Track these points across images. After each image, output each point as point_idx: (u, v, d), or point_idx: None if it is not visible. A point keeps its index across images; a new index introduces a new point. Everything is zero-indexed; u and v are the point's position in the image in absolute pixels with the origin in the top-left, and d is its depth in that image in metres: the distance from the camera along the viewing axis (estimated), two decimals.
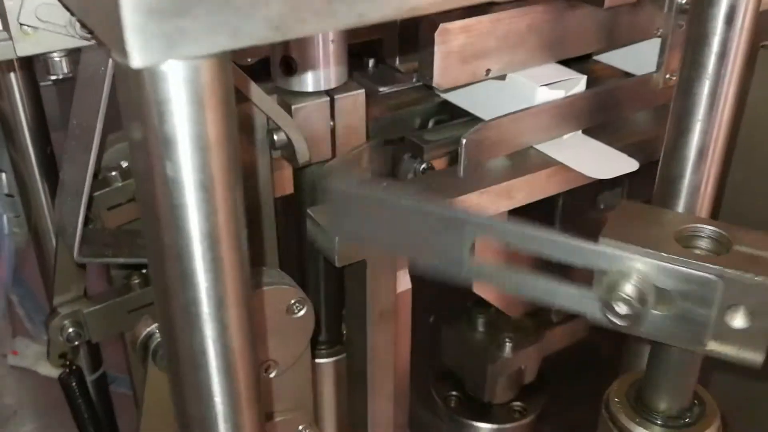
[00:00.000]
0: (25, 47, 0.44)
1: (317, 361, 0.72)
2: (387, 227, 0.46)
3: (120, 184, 0.65)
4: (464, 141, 0.61)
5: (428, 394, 0.91)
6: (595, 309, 0.43)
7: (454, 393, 0.90)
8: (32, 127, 0.69)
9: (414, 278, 0.75)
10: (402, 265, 0.76)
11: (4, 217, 0.72)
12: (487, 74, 0.66)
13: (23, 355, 0.82)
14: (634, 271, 0.43)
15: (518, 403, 0.88)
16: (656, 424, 0.50)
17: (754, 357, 0.43)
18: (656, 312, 0.44)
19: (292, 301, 0.53)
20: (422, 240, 0.44)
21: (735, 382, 0.70)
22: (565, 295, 0.44)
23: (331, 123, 0.62)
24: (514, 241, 0.44)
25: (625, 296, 0.42)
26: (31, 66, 0.68)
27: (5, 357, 0.80)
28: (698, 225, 0.45)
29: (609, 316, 0.43)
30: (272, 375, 0.55)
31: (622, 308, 0.42)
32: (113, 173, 0.65)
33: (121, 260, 0.56)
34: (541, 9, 0.66)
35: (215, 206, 0.30)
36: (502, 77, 0.68)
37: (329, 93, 0.62)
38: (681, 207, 0.52)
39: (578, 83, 0.68)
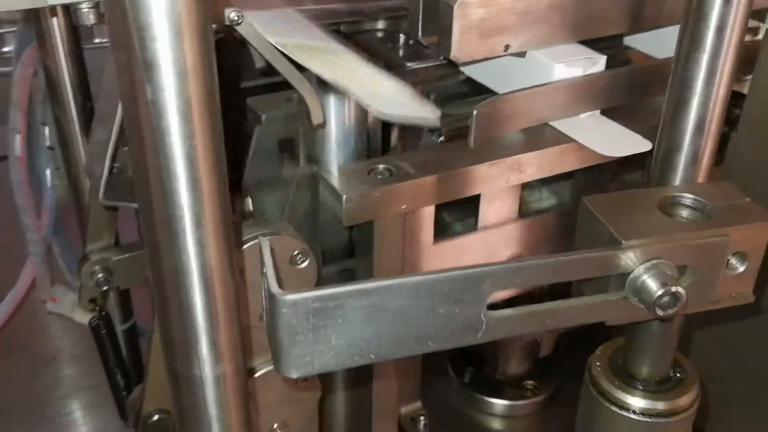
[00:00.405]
0: None
1: None
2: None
3: None
4: (475, 112, 0.63)
5: (445, 369, 0.93)
6: (636, 310, 0.45)
7: (469, 368, 0.91)
8: (74, 84, 0.74)
9: None
10: None
11: (48, 170, 0.76)
12: (505, 50, 0.67)
13: (61, 303, 0.87)
14: (657, 261, 0.44)
15: (531, 382, 0.89)
16: (636, 389, 0.51)
17: (745, 297, 0.44)
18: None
19: (295, 252, 0.56)
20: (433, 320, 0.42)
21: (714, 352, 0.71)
22: (597, 310, 0.45)
23: None
24: (532, 278, 0.44)
25: (666, 288, 0.43)
26: (76, 28, 0.73)
27: (45, 303, 0.86)
28: (673, 194, 0.47)
29: (658, 312, 0.44)
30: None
31: (667, 299, 0.44)
32: None
33: None
34: None
35: (193, 130, 0.33)
36: (522, 54, 0.69)
37: None
38: (678, 179, 0.52)
39: (597, 63, 0.69)
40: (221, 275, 0.36)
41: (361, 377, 0.73)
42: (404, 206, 0.63)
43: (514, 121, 0.67)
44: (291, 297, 0.37)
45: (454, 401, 0.91)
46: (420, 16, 0.71)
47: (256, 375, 0.59)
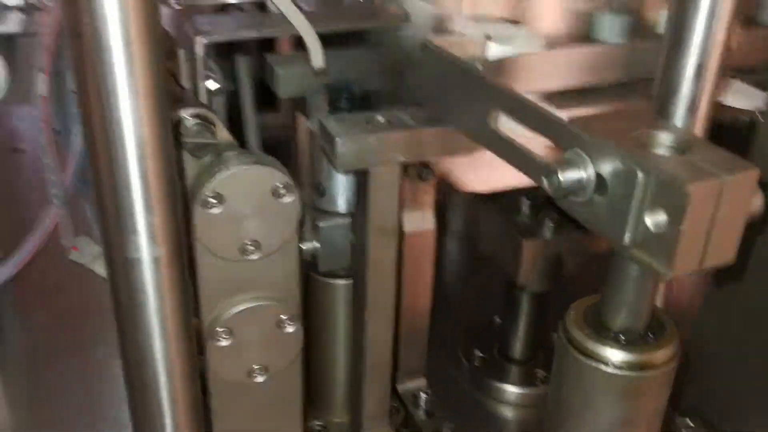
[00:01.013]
0: None
1: (332, 281, 0.74)
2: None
3: None
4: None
5: (454, 351, 0.91)
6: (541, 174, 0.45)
7: (479, 352, 0.89)
8: None
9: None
10: (426, 204, 0.78)
11: (74, 115, 0.79)
12: None
13: (83, 253, 0.89)
14: (584, 153, 0.43)
15: (541, 371, 0.86)
16: (610, 340, 0.49)
17: (660, 266, 0.41)
18: (596, 200, 0.44)
19: (278, 184, 0.56)
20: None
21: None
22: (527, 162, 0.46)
23: None
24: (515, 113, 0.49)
25: (560, 171, 0.43)
26: None
27: (67, 251, 0.88)
28: (660, 131, 0.44)
29: (545, 181, 0.44)
30: (253, 257, 0.57)
31: (564, 176, 0.43)
32: None
33: None
34: None
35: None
36: None
37: None
38: (677, 125, 0.50)
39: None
40: (155, 149, 0.36)
41: (356, 338, 0.72)
42: (400, 156, 0.62)
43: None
44: None
45: (463, 385, 0.89)
46: None
47: (237, 311, 0.59)
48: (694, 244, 0.41)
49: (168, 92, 0.36)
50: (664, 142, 0.44)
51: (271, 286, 0.60)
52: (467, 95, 0.55)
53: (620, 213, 0.42)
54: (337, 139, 0.59)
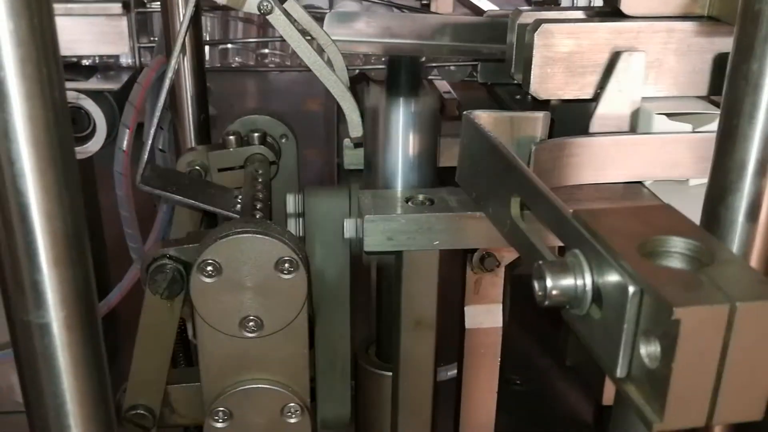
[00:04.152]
0: None
1: (376, 371, 0.68)
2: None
3: (233, 150, 0.70)
4: (534, 148, 0.55)
5: None
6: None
7: None
8: (193, 96, 0.78)
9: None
10: (492, 297, 0.70)
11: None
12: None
13: None
14: (582, 257, 0.35)
15: None
16: None
17: (650, 413, 0.32)
18: (593, 314, 0.35)
19: (282, 257, 0.51)
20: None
21: None
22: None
23: None
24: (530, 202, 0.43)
25: (547, 275, 0.35)
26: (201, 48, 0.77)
27: None
28: (676, 238, 0.35)
29: (534, 283, 0.36)
30: (255, 335, 0.53)
31: (553, 281, 0.36)
32: (231, 137, 0.70)
33: (177, 197, 0.60)
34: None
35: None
36: None
37: None
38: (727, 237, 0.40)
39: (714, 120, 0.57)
40: (43, 208, 0.33)
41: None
42: (436, 242, 0.55)
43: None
44: None
45: None
46: (514, 50, 0.65)
47: (236, 391, 0.55)
48: (693, 389, 0.31)
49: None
50: (683, 251, 0.34)
51: (276, 369, 0.55)
52: (493, 177, 0.48)
53: (613, 336, 0.34)
54: (366, 215, 0.54)
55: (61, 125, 0.34)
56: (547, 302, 0.36)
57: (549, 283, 0.36)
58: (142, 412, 0.58)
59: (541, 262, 0.37)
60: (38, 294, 0.34)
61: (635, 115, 0.59)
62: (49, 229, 0.33)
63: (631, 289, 0.32)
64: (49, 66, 0.32)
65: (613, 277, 0.34)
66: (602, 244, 0.34)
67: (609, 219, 0.37)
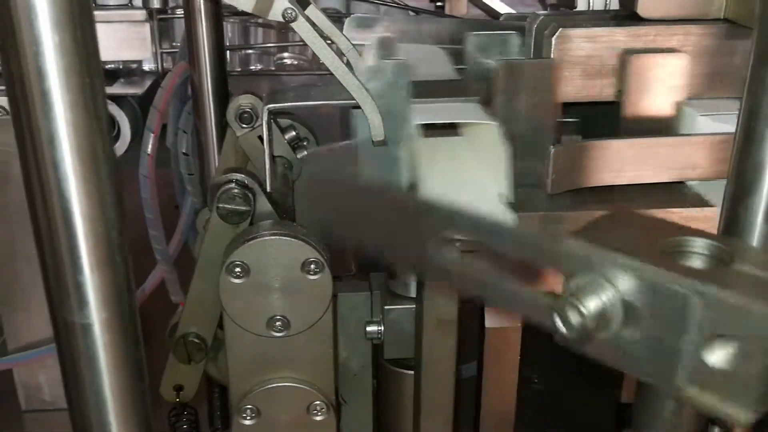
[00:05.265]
0: None
1: (399, 370, 0.69)
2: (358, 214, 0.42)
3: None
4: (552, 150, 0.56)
5: None
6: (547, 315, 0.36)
7: None
8: (216, 100, 0.79)
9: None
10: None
11: (186, 176, 0.81)
12: None
13: None
14: (599, 278, 0.35)
15: None
16: None
17: (738, 413, 0.32)
18: (626, 335, 0.35)
19: (309, 259, 0.52)
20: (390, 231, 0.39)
21: None
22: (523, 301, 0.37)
23: None
24: (481, 237, 0.37)
25: (577, 303, 0.34)
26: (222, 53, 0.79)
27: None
28: (691, 238, 0.35)
29: (557, 323, 0.34)
30: (282, 334, 0.54)
31: (573, 317, 0.34)
32: None
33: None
34: None
35: None
36: None
37: None
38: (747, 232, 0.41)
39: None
40: (85, 212, 0.34)
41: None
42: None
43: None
44: None
45: None
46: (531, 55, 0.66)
47: (264, 389, 0.56)
48: None
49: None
50: (701, 250, 0.35)
51: (303, 368, 0.56)
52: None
53: (665, 348, 0.33)
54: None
55: (102, 132, 0.35)
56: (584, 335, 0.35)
57: (584, 309, 0.34)
58: (194, 340, 0.60)
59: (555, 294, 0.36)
60: (81, 295, 0.36)
61: (678, 116, 0.59)
62: (91, 232, 0.35)
63: (689, 296, 0.32)
64: (91, 76, 0.34)
65: (655, 289, 0.33)
66: (630, 257, 0.34)
67: (601, 233, 0.36)
